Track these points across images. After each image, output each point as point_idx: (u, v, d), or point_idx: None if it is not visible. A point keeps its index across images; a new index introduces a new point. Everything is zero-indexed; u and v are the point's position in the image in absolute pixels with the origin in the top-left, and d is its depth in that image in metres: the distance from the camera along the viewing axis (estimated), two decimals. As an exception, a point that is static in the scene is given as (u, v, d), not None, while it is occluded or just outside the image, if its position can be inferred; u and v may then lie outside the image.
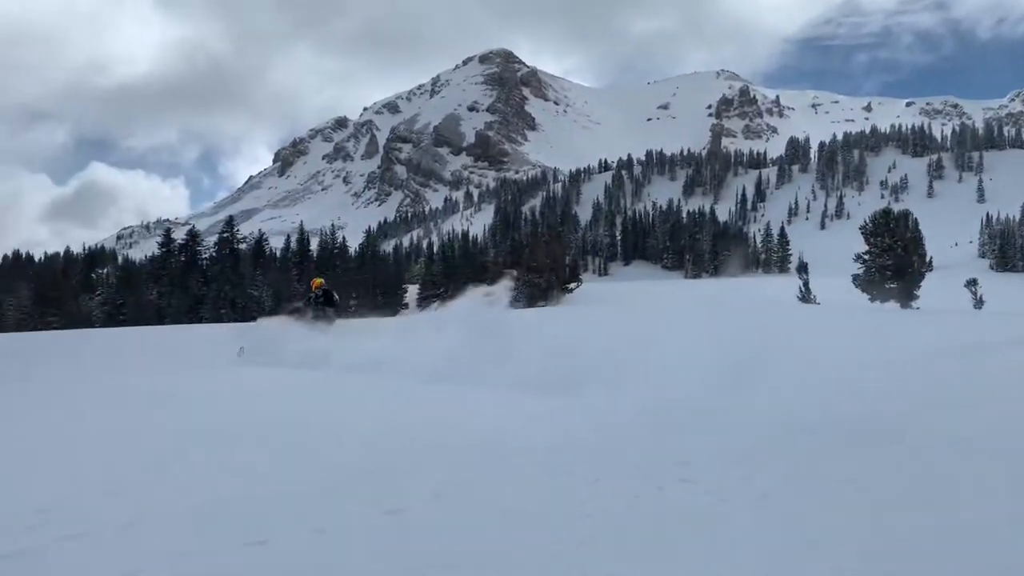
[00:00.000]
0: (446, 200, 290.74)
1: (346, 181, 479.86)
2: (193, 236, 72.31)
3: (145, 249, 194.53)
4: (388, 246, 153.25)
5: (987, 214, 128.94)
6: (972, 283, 43.62)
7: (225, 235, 71.60)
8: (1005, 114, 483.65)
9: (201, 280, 65.91)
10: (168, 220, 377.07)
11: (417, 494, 4.67)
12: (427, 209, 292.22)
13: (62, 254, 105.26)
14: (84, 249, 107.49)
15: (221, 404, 10.01)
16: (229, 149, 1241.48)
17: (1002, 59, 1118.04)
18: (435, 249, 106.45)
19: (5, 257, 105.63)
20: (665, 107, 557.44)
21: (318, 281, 18.28)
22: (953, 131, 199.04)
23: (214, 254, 70.38)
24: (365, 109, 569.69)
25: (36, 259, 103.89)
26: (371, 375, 11.51)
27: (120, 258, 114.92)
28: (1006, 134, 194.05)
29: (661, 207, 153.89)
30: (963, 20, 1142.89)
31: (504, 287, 14.54)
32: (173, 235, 74.77)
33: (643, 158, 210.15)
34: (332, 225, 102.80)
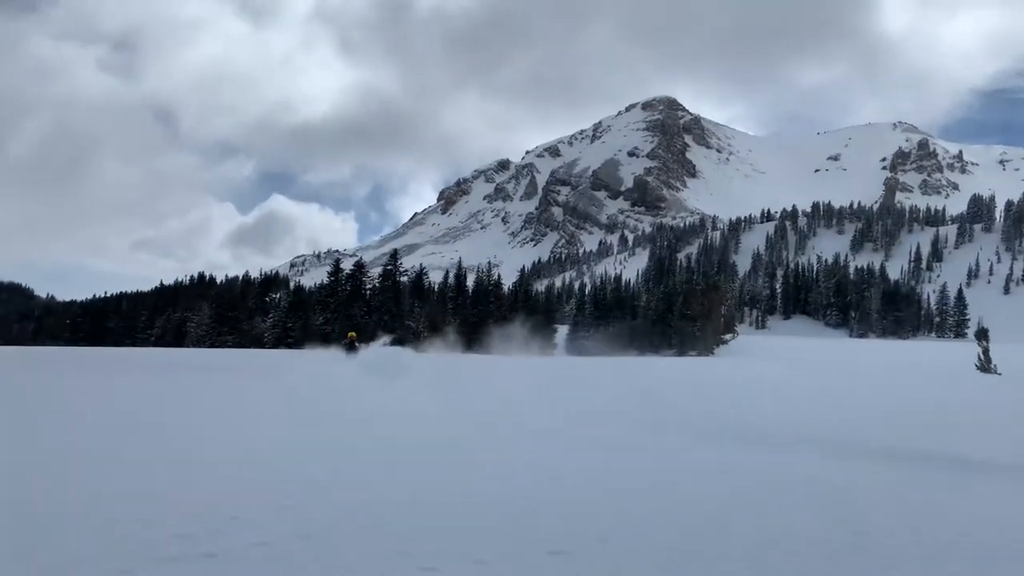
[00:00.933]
0: (600, 243, 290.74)
1: (504, 220, 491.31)
2: (359, 267, 76.02)
3: (315, 277, 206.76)
4: (541, 285, 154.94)
5: None
6: None
7: (389, 267, 74.79)
8: None
9: (364, 309, 69.11)
10: (338, 251, 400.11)
11: (582, 537, 4.70)
12: (581, 251, 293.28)
13: (241, 277, 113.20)
14: (260, 274, 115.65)
15: (382, 424, 10.45)
16: (396, 187, 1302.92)
17: None
18: (587, 291, 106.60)
19: (191, 278, 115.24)
20: (835, 158, 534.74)
21: (352, 334, 29.23)
22: None
23: (377, 285, 73.66)
24: (527, 152, 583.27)
25: (218, 281, 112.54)
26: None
27: (292, 284, 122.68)
28: None
29: (826, 261, 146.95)
30: None
31: None
32: (341, 265, 78.88)
33: (808, 209, 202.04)
34: (489, 263, 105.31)
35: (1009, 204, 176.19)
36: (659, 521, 5.11)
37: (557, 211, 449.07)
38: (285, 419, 10.94)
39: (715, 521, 5.15)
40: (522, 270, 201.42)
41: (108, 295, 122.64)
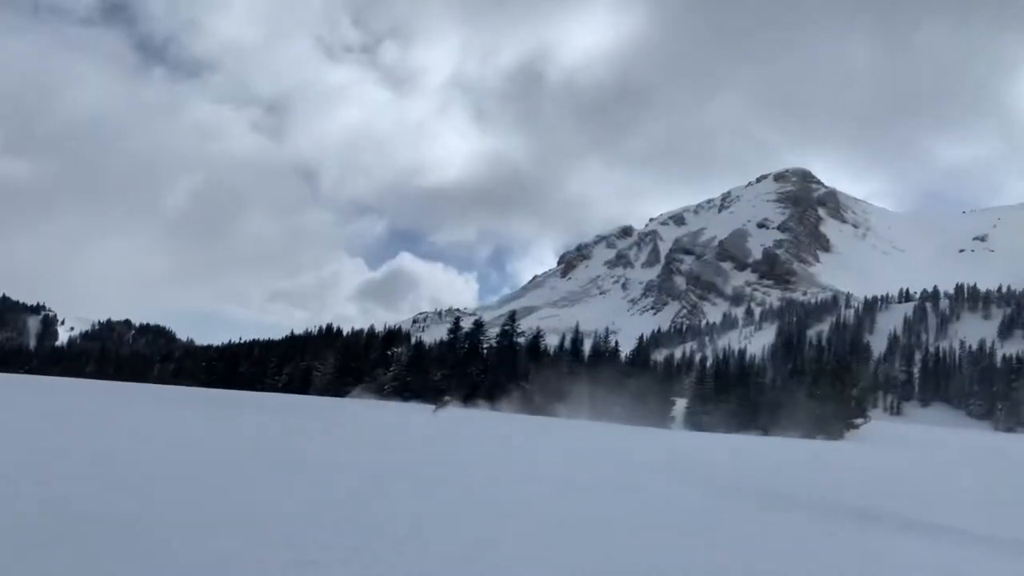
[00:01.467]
0: (724, 315, 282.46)
1: (624, 287, 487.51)
2: (478, 326, 76.68)
3: (436, 334, 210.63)
4: (660, 355, 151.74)
5: None
6: None
7: (507, 328, 75.00)
8: None
9: (481, 367, 69.31)
10: (458, 309, 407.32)
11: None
12: (703, 323, 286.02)
13: (366, 331, 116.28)
14: (384, 328, 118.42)
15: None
16: (518, 250, 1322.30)
17: None
18: (708, 364, 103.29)
19: (320, 329, 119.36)
20: (982, 239, 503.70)
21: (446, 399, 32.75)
22: None
23: (495, 344, 73.90)
24: (651, 220, 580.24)
25: (344, 332, 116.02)
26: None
27: (413, 339, 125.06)
28: None
29: (971, 347, 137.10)
30: None
31: None
32: (461, 323, 79.81)
33: (951, 291, 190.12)
34: (607, 329, 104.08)
35: None
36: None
37: (680, 280, 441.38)
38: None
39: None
40: (640, 338, 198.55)
41: (243, 341, 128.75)
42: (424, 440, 18.31)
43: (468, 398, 64.41)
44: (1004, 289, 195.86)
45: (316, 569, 5.40)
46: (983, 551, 8.32)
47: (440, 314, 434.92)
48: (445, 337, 79.53)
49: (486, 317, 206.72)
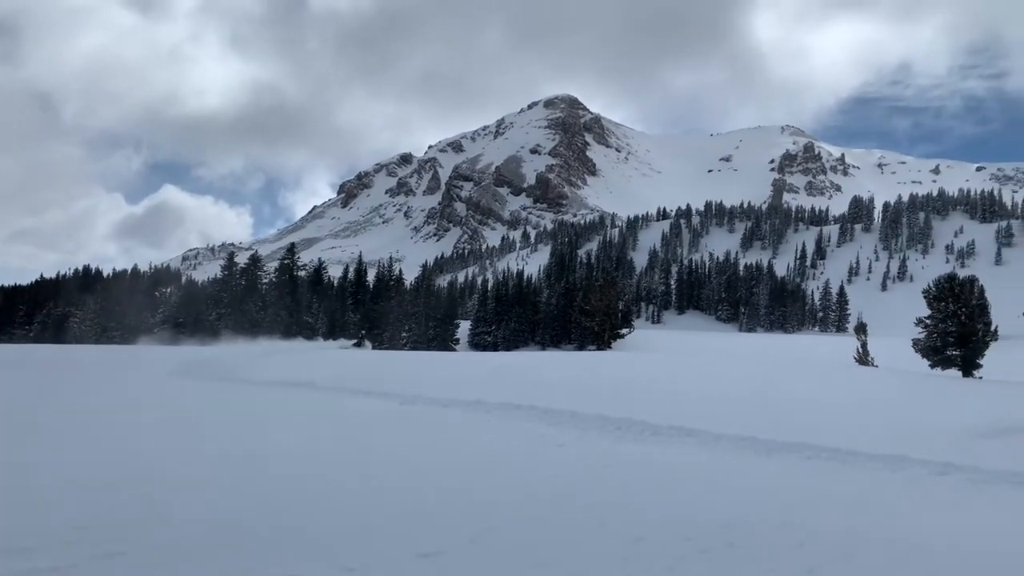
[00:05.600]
0: (503, 239, 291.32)
1: (407, 215, 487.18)
2: (255, 261, 73.85)
3: (208, 271, 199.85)
4: (443, 281, 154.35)
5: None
6: (1040, 355, 42.23)
7: (286, 262, 73.03)
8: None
9: (259, 304, 67.20)
10: (232, 244, 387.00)
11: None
12: (484, 247, 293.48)
13: (129, 271, 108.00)
14: (150, 268, 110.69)
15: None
16: (291, 182, 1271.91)
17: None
18: (490, 286, 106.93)
19: (76, 271, 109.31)
20: (727, 159, 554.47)
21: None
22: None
23: (274, 279, 71.75)
24: (430, 147, 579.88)
25: (104, 274, 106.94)
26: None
27: (184, 278, 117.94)
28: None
29: (718, 258, 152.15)
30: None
31: None
32: (236, 259, 76.43)
33: (702, 208, 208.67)
34: (390, 257, 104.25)
35: (887, 206, 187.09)
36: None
37: (460, 206, 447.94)
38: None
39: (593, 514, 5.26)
40: (425, 265, 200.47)
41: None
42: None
43: (247, 333, 62.42)
44: (745, 205, 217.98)
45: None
46: (710, 450, 9.28)
47: (213, 250, 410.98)
48: (219, 274, 75.94)
49: (263, 251, 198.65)
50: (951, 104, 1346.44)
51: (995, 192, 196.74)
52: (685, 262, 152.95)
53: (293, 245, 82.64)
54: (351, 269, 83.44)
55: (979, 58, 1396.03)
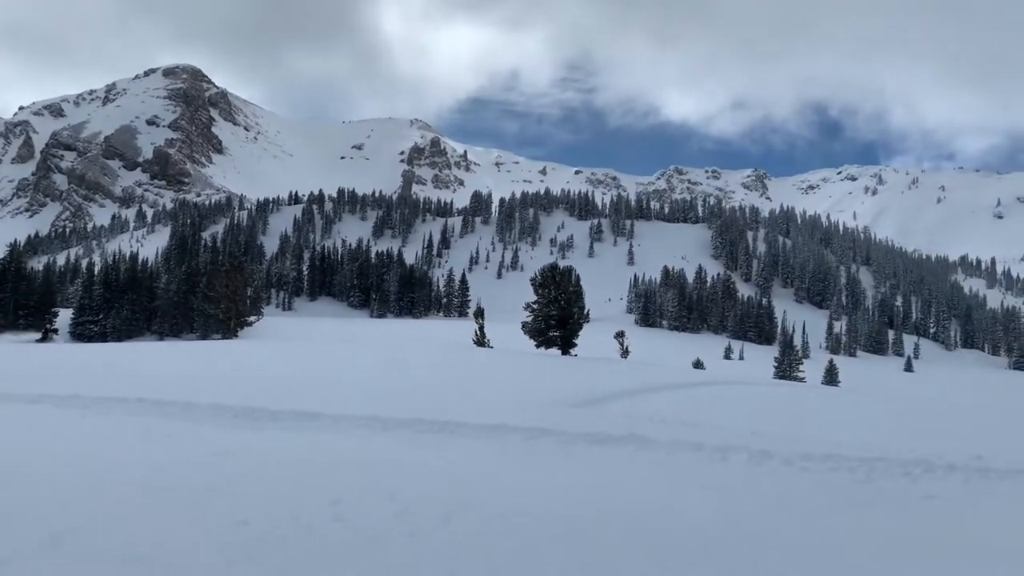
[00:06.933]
0: (114, 217, 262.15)
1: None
2: None
3: None
4: (39, 263, 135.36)
5: (635, 275, 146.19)
6: (620, 335, 49.73)
7: None
8: (652, 189, 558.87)
9: None
10: None
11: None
12: (91, 226, 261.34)
13: None
14: None
15: None
16: None
17: (654, 144, 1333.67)
18: (97, 270, 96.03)
19: None
20: (359, 147, 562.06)
21: None
22: (612, 200, 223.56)
23: None
24: (21, 108, 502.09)
25: None
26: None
27: None
28: (652, 207, 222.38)
29: (351, 245, 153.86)
30: (614, 105, 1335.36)
31: None
32: None
33: (335, 195, 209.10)
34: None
35: (503, 201, 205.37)
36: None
37: (60, 179, 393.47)
38: None
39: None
40: (14, 244, 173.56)
41: None
42: None
43: None
44: (377, 193, 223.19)
45: None
46: (330, 431, 9.28)
47: None
48: None
49: None
50: (552, 112, 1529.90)
51: (590, 194, 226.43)
52: (318, 248, 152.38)
53: None
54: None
55: (576, 73, 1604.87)
